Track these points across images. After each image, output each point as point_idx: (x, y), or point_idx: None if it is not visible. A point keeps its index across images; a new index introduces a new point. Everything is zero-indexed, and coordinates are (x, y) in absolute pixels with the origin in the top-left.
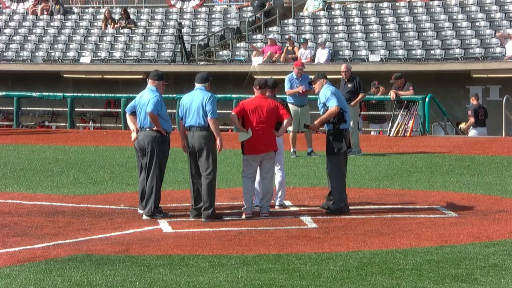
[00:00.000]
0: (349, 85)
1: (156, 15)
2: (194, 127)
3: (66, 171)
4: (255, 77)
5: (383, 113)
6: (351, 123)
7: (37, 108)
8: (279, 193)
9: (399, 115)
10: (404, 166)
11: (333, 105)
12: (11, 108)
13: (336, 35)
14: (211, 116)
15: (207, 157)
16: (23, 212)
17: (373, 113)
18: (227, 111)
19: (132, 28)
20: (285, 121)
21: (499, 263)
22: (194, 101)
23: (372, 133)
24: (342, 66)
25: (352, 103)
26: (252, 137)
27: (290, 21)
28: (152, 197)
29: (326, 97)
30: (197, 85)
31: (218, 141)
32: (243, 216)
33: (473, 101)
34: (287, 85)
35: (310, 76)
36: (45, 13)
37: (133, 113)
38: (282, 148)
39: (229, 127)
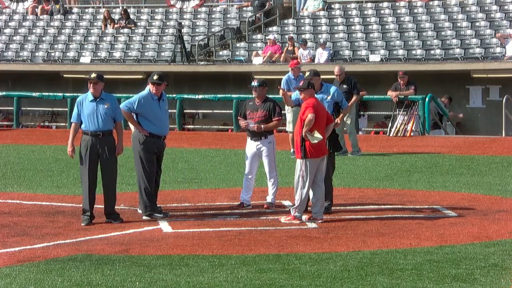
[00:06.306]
0: (345, 86)
1: (156, 15)
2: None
3: (66, 171)
4: (255, 77)
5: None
6: (349, 122)
7: (37, 108)
8: (272, 191)
9: (399, 115)
10: (404, 166)
11: (348, 105)
12: (11, 108)
13: (336, 35)
14: None
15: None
16: (23, 212)
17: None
18: (228, 111)
19: (132, 28)
20: (331, 124)
21: (499, 263)
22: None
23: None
24: (336, 69)
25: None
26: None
27: (290, 21)
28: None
29: (342, 96)
30: None
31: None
32: (314, 223)
33: None
34: (284, 87)
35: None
36: (45, 13)
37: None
38: (272, 149)
39: (229, 127)
